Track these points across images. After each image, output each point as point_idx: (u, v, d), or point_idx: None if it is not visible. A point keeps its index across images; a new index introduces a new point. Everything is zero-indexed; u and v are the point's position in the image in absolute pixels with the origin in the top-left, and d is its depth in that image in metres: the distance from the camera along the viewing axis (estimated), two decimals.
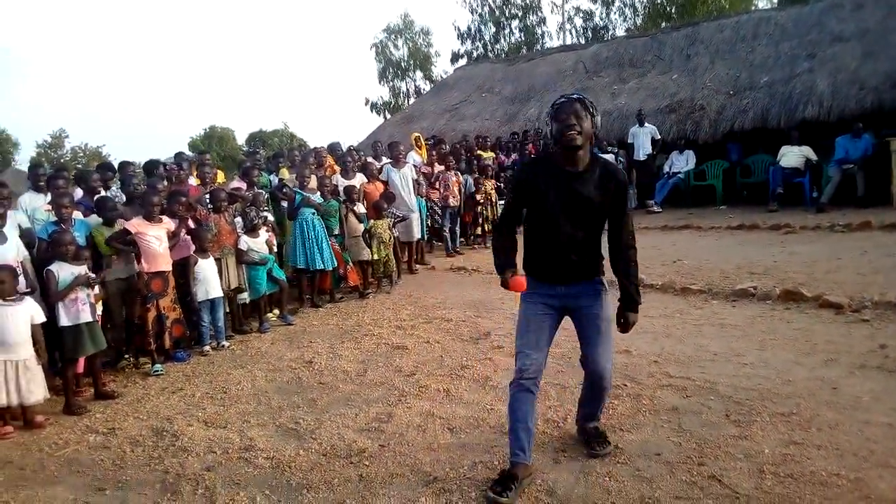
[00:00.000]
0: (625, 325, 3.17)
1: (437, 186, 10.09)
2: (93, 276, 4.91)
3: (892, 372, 3.96)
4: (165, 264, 5.68)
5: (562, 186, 2.97)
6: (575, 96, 2.96)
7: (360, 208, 8.11)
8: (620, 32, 28.53)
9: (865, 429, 3.25)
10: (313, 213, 7.36)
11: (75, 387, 4.94)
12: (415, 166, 9.82)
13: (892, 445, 3.06)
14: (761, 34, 14.33)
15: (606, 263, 3.16)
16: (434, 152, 10.77)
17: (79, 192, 6.41)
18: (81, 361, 4.93)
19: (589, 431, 3.36)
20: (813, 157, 11.15)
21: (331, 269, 7.51)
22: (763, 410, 3.58)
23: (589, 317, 3.12)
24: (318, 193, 7.59)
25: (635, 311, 3.17)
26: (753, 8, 23.81)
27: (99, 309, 5.13)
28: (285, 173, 8.53)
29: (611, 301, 3.15)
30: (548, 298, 3.14)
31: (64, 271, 4.74)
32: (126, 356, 5.84)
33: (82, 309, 4.76)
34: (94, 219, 5.84)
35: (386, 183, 9.08)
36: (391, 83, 34.39)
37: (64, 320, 4.70)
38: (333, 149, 10.41)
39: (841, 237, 8.43)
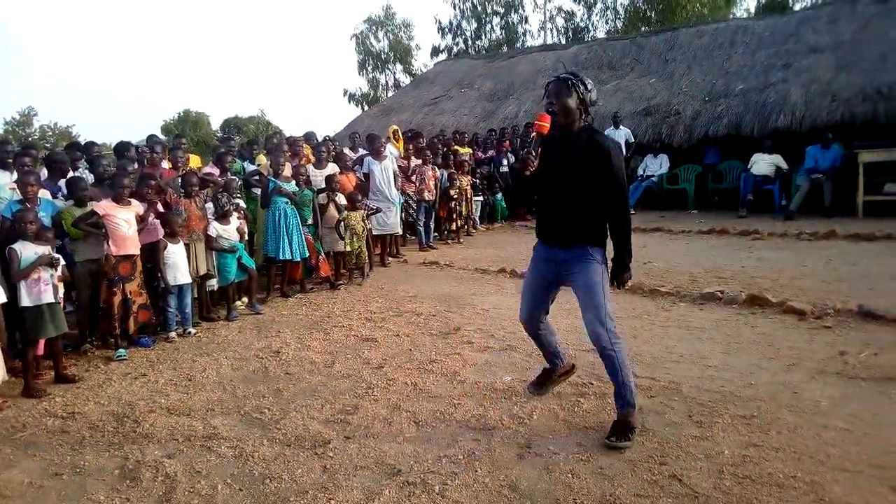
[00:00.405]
0: (620, 284, 3.44)
1: (414, 180, 10.06)
2: (56, 256, 4.78)
3: (852, 378, 4.05)
4: (134, 248, 5.58)
5: (556, 156, 3.32)
6: (561, 75, 3.31)
7: (342, 199, 8.05)
8: (601, 34, 28.75)
9: (823, 433, 3.32)
10: (286, 203, 7.28)
11: (35, 369, 4.83)
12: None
13: (849, 450, 3.12)
14: (738, 42, 14.53)
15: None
16: (411, 146, 10.74)
17: (45, 173, 6.27)
18: (42, 343, 4.83)
19: (616, 418, 3.43)
20: (783, 165, 11.35)
21: (299, 259, 7.44)
22: (725, 412, 3.63)
23: (576, 285, 3.37)
24: (293, 182, 7.51)
25: (625, 272, 3.41)
26: (732, 16, 24.14)
27: (61, 291, 5.01)
28: (262, 160, 8.43)
29: (599, 268, 3.33)
30: (544, 263, 3.50)
31: (27, 250, 4.63)
32: (90, 340, 5.73)
33: (44, 289, 4.65)
34: (60, 202, 5.73)
35: (362, 175, 9.04)
36: (371, 75, 34.37)
37: (25, 300, 4.59)
38: (308, 138, 10.33)
39: (807, 245, 8.59)
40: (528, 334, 3.78)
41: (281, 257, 7.22)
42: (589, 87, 3.29)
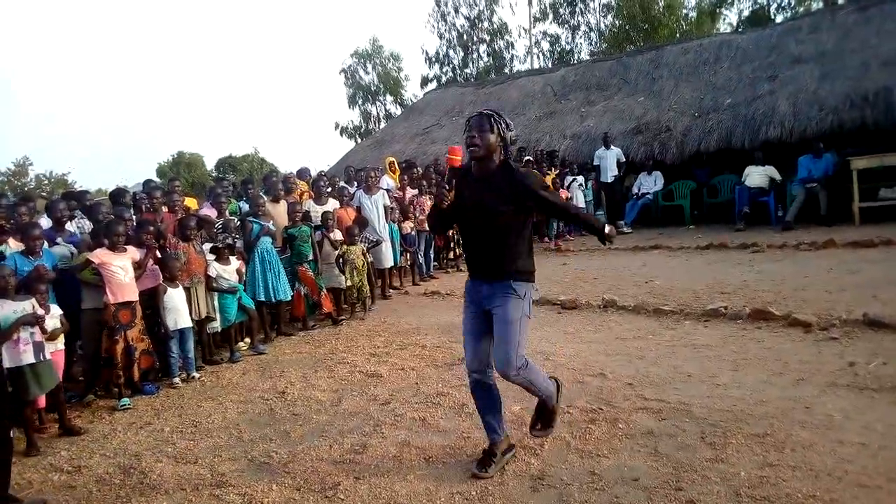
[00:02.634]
0: (609, 240, 3.45)
1: (414, 211, 10.04)
2: (40, 312, 4.64)
3: (862, 390, 4.02)
4: (132, 294, 5.56)
5: (473, 191, 3.33)
6: (484, 111, 3.34)
7: (337, 234, 8.06)
8: (586, 56, 29.09)
9: (839, 448, 3.28)
10: (272, 243, 7.28)
11: (38, 423, 4.78)
12: (388, 191, 9.79)
13: (866, 465, 3.08)
14: (723, 57, 14.69)
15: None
16: (406, 176, 10.78)
17: (45, 222, 6.28)
18: (42, 398, 4.75)
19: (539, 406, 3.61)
20: (777, 176, 11.41)
21: (287, 300, 7.40)
22: (738, 432, 3.59)
23: (495, 318, 3.29)
24: (272, 222, 7.48)
25: (604, 231, 3.42)
26: (715, 32, 24.45)
27: (59, 345, 4.95)
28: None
29: (520, 305, 3.26)
30: (474, 295, 3.42)
31: (4, 309, 4.49)
32: (94, 391, 5.67)
33: (24, 350, 4.47)
34: (59, 249, 5.72)
35: (358, 209, 9.05)
36: (361, 107, 34.57)
37: (6, 362, 4.37)
38: (302, 174, 10.36)
39: (807, 255, 8.60)
40: (472, 387, 3.49)
41: (277, 298, 7.19)
42: (510, 125, 3.33)
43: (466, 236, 3.47)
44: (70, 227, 6.30)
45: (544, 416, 3.61)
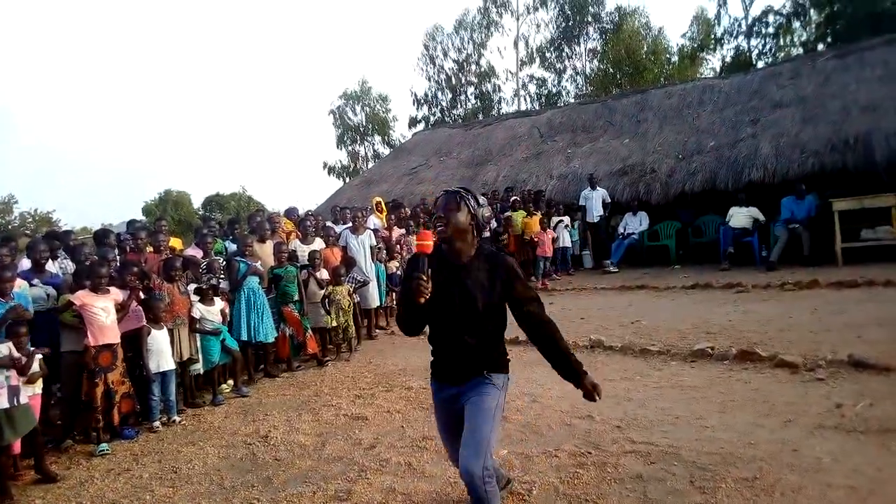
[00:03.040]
0: (589, 396, 2.92)
1: (401, 251, 10.05)
2: (16, 355, 4.57)
3: (850, 432, 4.00)
4: (113, 337, 5.48)
5: (450, 280, 2.90)
6: (452, 189, 2.95)
7: (323, 274, 8.03)
8: (572, 99, 29.61)
9: (828, 492, 3.25)
10: (259, 283, 7.23)
11: (13, 470, 4.65)
12: (375, 231, 9.80)
13: None
14: (706, 101, 15.00)
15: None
16: (393, 216, 10.81)
17: (26, 263, 6.20)
18: (17, 444, 4.63)
19: None
20: (760, 217, 11.54)
21: (272, 340, 7.32)
22: (727, 475, 3.55)
23: (467, 410, 2.86)
24: (259, 262, 7.45)
25: (584, 379, 2.92)
26: (698, 76, 25.00)
27: (37, 389, 4.84)
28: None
29: (496, 395, 2.89)
30: (442, 404, 3.06)
31: None
32: (73, 435, 5.54)
33: None
34: (36, 290, 5.63)
35: (345, 248, 9.04)
36: (349, 147, 34.84)
37: None
38: (290, 213, 10.36)
39: (791, 295, 8.64)
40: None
41: (257, 339, 7.11)
42: (481, 202, 2.95)
43: (440, 333, 2.98)
44: (52, 267, 6.23)
45: None
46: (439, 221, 2.88)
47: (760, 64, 23.92)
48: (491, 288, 2.88)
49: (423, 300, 2.74)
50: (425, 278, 2.72)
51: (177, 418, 5.88)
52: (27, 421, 4.58)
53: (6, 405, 4.44)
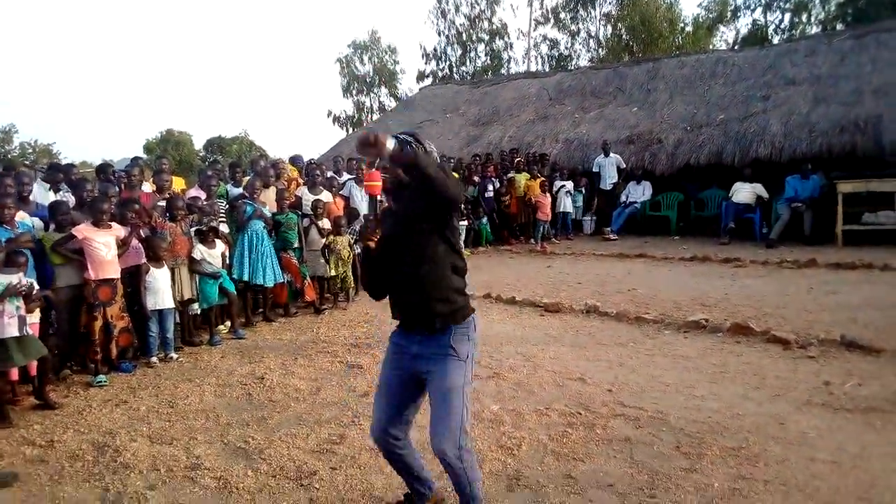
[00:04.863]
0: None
1: None
2: (25, 284, 4.60)
3: (837, 410, 4.07)
4: (113, 272, 5.50)
5: (393, 213, 2.82)
6: (400, 135, 2.71)
7: (325, 223, 8.03)
8: (584, 63, 29.19)
9: (811, 465, 3.33)
10: (264, 227, 7.23)
11: (12, 395, 4.71)
12: None
13: (837, 483, 3.13)
14: (719, 73, 14.81)
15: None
16: None
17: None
18: (14, 371, 4.68)
19: None
20: (764, 194, 11.53)
21: (272, 285, 7.29)
22: (713, 444, 3.63)
23: (431, 387, 2.72)
24: (267, 207, 7.44)
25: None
26: (712, 48, 24.62)
27: (36, 317, 4.88)
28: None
29: (462, 368, 2.70)
30: (397, 353, 2.85)
31: None
32: (69, 365, 5.61)
33: (8, 323, 4.42)
34: (39, 222, 5.62)
35: (347, 199, 9.02)
36: (355, 98, 34.44)
37: None
38: (295, 161, 10.29)
39: (789, 273, 8.69)
40: (382, 453, 2.95)
41: (254, 282, 7.11)
42: (429, 148, 2.77)
43: (393, 272, 2.75)
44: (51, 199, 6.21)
45: None
46: (386, 171, 2.74)
47: (776, 40, 23.57)
48: (417, 198, 2.61)
49: (372, 244, 2.71)
50: (373, 219, 2.72)
51: (174, 355, 5.94)
52: (37, 348, 4.65)
53: (16, 333, 4.48)
